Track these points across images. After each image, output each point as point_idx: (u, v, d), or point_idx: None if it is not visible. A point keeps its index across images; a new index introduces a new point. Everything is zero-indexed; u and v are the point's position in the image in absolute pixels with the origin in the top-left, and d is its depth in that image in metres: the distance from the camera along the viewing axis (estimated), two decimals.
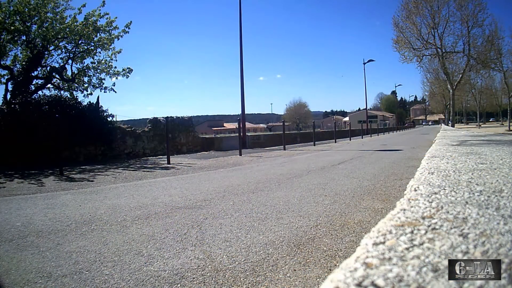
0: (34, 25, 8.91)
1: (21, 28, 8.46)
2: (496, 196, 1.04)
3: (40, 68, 9.40)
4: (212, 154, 9.44)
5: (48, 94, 8.98)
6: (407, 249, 0.61)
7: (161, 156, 9.10)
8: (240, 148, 8.83)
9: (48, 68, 9.52)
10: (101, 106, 9.05)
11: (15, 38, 8.78)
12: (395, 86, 75.22)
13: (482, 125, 42.78)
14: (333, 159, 6.82)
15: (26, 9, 8.39)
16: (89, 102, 9.08)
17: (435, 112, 73.94)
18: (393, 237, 0.68)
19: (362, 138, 18.72)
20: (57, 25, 9.02)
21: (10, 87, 8.85)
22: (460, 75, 24.91)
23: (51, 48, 9.32)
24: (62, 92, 9.68)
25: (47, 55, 9.38)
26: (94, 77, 10.06)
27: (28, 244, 2.11)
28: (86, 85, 10.04)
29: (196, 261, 1.76)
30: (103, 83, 10.11)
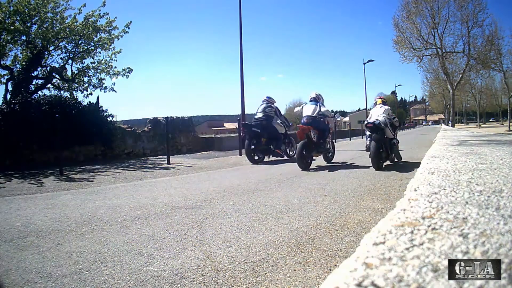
0: (34, 25, 8.89)
1: (21, 28, 8.44)
2: (496, 196, 1.04)
3: (40, 68, 9.38)
4: (212, 154, 9.44)
5: (48, 94, 8.96)
6: (407, 249, 0.61)
7: (161, 156, 9.09)
8: (240, 148, 8.82)
9: (48, 68, 9.51)
10: (101, 106, 9.04)
11: (15, 38, 8.75)
12: (395, 86, 74.91)
13: (482, 125, 42.82)
14: None
15: (26, 9, 8.37)
16: (89, 102, 9.05)
17: (435, 112, 73.90)
18: (393, 237, 0.68)
19: (362, 138, 18.70)
20: (57, 25, 9.00)
21: (10, 87, 8.83)
22: (460, 75, 24.86)
23: (51, 48, 9.31)
24: (62, 92, 9.67)
25: (47, 55, 9.36)
26: (94, 77, 10.03)
27: (28, 244, 2.11)
28: (86, 85, 10.02)
29: (196, 261, 1.76)
30: (103, 83, 10.08)
